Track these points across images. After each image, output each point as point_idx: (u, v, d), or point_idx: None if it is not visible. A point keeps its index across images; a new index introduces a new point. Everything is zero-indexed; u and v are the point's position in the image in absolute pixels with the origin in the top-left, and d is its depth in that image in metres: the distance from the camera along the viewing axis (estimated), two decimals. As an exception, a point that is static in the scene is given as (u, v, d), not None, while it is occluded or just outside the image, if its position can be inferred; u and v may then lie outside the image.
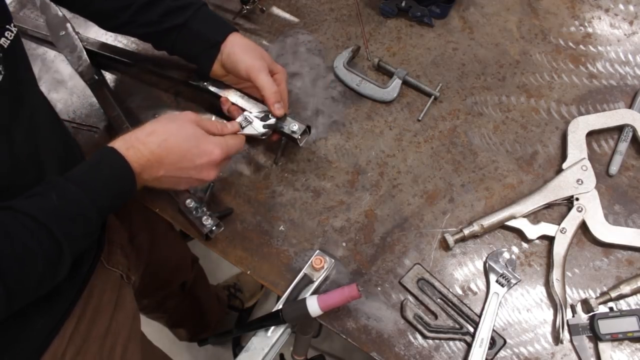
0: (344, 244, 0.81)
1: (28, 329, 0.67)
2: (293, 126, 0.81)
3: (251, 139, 0.86)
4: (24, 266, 0.54)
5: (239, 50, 0.80)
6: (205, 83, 0.87)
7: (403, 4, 0.95)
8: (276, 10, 1.02)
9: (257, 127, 0.79)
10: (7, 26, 0.62)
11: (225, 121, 0.78)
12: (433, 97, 0.89)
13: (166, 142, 0.66)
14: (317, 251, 0.79)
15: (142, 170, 0.65)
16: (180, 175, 0.69)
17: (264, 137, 0.80)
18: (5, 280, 0.51)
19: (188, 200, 0.81)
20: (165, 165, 0.67)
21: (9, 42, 0.61)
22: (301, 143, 0.83)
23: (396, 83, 0.90)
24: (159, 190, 0.85)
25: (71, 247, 0.58)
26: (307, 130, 0.82)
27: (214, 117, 0.93)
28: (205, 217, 0.79)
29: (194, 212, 0.80)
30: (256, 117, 0.80)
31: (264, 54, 0.82)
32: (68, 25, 0.96)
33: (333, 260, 0.78)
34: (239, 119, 0.79)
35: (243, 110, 0.82)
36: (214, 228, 0.79)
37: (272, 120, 0.80)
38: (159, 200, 0.86)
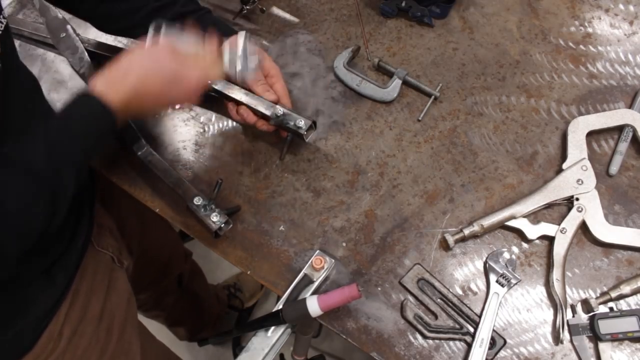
0: (344, 244, 0.81)
1: (30, 306, 0.70)
2: (299, 122, 0.81)
3: (258, 132, 0.86)
4: (23, 215, 0.56)
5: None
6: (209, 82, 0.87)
7: (403, 4, 0.95)
8: (276, 11, 1.02)
9: (248, 62, 0.79)
10: None
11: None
12: (433, 97, 0.89)
13: (144, 80, 0.67)
14: (317, 251, 0.79)
15: (123, 107, 0.66)
16: (162, 103, 0.73)
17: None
18: (13, 232, 0.55)
19: (196, 198, 0.80)
20: (145, 101, 0.68)
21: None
22: (307, 139, 0.83)
23: (396, 83, 0.90)
24: (160, 191, 0.86)
25: (65, 192, 0.60)
26: (313, 125, 0.82)
27: (214, 117, 0.93)
28: (214, 214, 0.79)
29: (203, 210, 0.79)
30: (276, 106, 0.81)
31: (258, 52, 0.83)
32: (68, 27, 0.96)
33: (333, 261, 0.78)
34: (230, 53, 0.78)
35: (250, 108, 0.82)
36: (223, 225, 0.79)
37: (279, 111, 0.80)
38: (160, 201, 0.86)
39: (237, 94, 0.84)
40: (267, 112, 0.81)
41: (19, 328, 0.70)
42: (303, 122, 0.81)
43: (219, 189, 0.81)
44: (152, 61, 0.69)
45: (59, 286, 0.75)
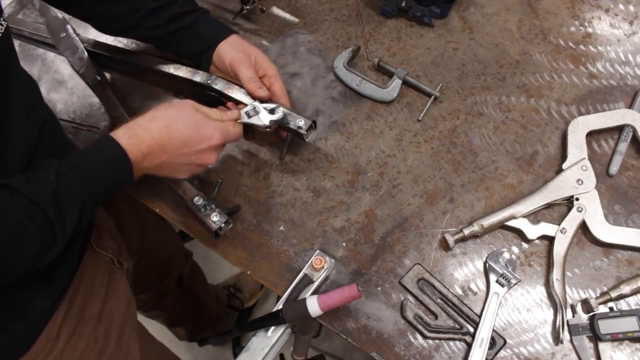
0: (344, 244, 0.81)
1: (27, 308, 0.70)
2: (299, 121, 0.81)
3: (258, 133, 0.87)
4: (17, 244, 0.55)
5: (229, 46, 0.83)
6: (208, 81, 0.87)
7: (403, 4, 0.95)
8: (276, 10, 1.02)
9: (263, 118, 0.79)
10: None
11: (225, 108, 0.79)
12: (433, 97, 0.89)
13: (168, 128, 0.67)
14: (317, 251, 0.79)
15: (143, 158, 0.66)
16: (182, 161, 0.71)
17: (268, 130, 0.80)
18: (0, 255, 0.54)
19: (196, 198, 0.80)
20: (167, 152, 0.68)
21: None
22: (307, 138, 0.83)
23: (396, 83, 0.90)
24: (160, 191, 0.86)
25: (64, 229, 0.59)
26: (313, 125, 0.82)
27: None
28: (214, 214, 0.79)
29: (203, 210, 0.79)
30: (264, 108, 0.80)
31: (252, 50, 0.83)
32: (68, 27, 0.96)
33: (333, 260, 0.78)
34: (247, 108, 0.80)
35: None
36: (222, 225, 0.79)
37: (279, 114, 0.80)
38: (159, 201, 0.86)
39: (237, 93, 0.84)
40: (268, 109, 0.81)
41: (16, 329, 0.70)
42: (303, 121, 0.81)
43: (218, 188, 0.81)
44: (177, 110, 0.70)
45: (57, 287, 0.74)
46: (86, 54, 0.94)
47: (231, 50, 0.83)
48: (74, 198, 0.60)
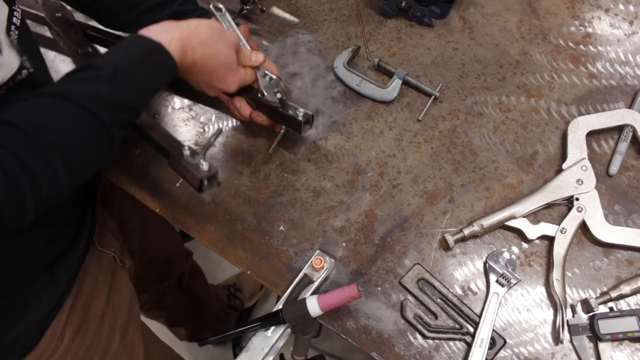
0: (344, 244, 0.81)
1: (31, 306, 0.71)
2: (299, 111, 0.80)
3: (257, 127, 0.86)
4: (82, 153, 0.57)
5: None
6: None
7: (403, 4, 0.95)
8: (276, 11, 1.02)
9: (269, 92, 0.79)
10: (14, 7, 0.64)
11: (255, 53, 0.79)
12: (433, 97, 0.89)
13: (208, 59, 0.70)
14: (317, 251, 0.79)
15: (183, 60, 0.68)
16: (203, 79, 0.74)
17: (274, 105, 0.80)
18: (70, 167, 0.55)
19: (185, 148, 0.75)
20: (198, 72, 0.71)
21: (19, 21, 0.63)
22: (303, 132, 0.83)
23: (396, 83, 0.90)
24: (159, 190, 0.86)
25: (121, 133, 0.60)
26: (311, 119, 0.82)
27: (214, 116, 0.93)
28: (203, 163, 0.73)
29: (190, 158, 0.75)
30: (277, 87, 0.79)
31: (244, 29, 0.84)
32: (66, 7, 0.96)
33: (333, 260, 0.78)
34: (268, 76, 0.79)
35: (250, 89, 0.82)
36: (209, 177, 0.74)
37: (278, 94, 0.79)
38: (159, 200, 0.86)
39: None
40: (266, 93, 0.79)
41: (22, 327, 0.70)
42: (302, 112, 0.80)
43: (216, 138, 0.78)
44: (224, 48, 0.71)
45: (61, 285, 0.75)
46: (82, 33, 0.93)
47: None
48: (132, 105, 0.62)
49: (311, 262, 0.77)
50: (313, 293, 0.75)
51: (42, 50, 1.03)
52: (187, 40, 0.66)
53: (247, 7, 0.98)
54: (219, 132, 0.78)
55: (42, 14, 0.97)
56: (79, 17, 0.96)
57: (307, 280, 0.76)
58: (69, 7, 0.96)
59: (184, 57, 0.66)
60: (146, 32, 0.64)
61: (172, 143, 0.78)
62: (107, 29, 0.94)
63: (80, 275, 0.78)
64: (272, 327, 0.75)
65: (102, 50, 0.97)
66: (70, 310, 0.76)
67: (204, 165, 0.73)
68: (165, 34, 0.64)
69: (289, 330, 0.76)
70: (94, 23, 0.95)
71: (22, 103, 0.55)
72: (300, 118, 0.80)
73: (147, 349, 0.95)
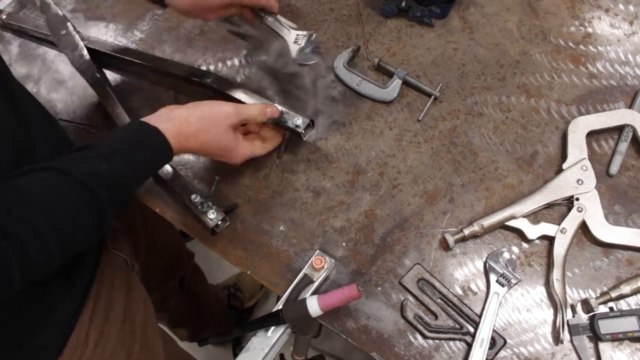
0: (344, 244, 0.81)
1: (53, 311, 0.71)
2: (297, 120, 0.81)
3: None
4: (75, 227, 0.58)
5: None
6: (208, 80, 0.87)
7: (403, 4, 0.95)
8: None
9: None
10: None
11: (271, 108, 0.80)
12: (433, 97, 0.89)
13: (202, 148, 0.73)
14: (317, 251, 0.79)
15: (178, 149, 0.71)
16: (214, 153, 0.77)
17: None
18: (62, 239, 0.56)
19: (193, 196, 0.81)
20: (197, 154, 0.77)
21: None
22: (305, 137, 0.83)
23: (396, 83, 0.90)
24: (159, 190, 0.86)
25: (113, 210, 0.62)
26: (311, 124, 0.83)
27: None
28: (211, 212, 0.79)
29: (200, 207, 0.80)
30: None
31: None
32: (69, 24, 0.96)
33: (333, 261, 0.78)
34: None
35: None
36: (219, 222, 0.79)
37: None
38: (159, 201, 0.86)
39: (238, 93, 0.84)
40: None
41: (46, 334, 0.70)
42: (301, 120, 0.81)
43: (216, 186, 0.81)
44: (218, 133, 0.73)
45: (79, 289, 0.75)
46: (86, 51, 0.94)
47: None
48: (126, 184, 0.64)
49: (311, 262, 0.77)
50: (313, 293, 0.75)
51: (42, 50, 1.03)
52: (179, 133, 0.69)
53: None
54: (217, 181, 0.83)
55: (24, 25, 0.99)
56: (85, 28, 0.96)
57: (307, 280, 0.76)
58: (72, 27, 0.96)
59: (179, 147, 0.70)
60: (144, 120, 0.68)
61: (182, 186, 0.83)
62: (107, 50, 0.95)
63: (97, 278, 0.78)
64: (272, 327, 0.75)
65: (112, 76, 0.98)
66: (91, 314, 0.76)
67: (212, 215, 0.79)
68: (163, 123, 0.68)
69: (289, 330, 0.76)
70: (95, 34, 0.96)
71: (22, 177, 0.56)
72: (300, 129, 0.81)
73: (167, 352, 0.96)
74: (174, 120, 0.69)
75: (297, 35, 0.86)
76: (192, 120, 0.70)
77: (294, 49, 0.86)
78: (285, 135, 0.87)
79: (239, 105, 0.76)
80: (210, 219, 0.79)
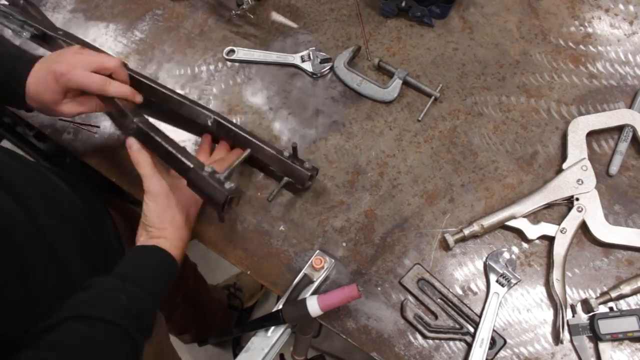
0: (344, 244, 0.81)
1: None
2: (300, 172, 0.79)
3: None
4: None
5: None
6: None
7: (403, 4, 0.95)
8: (275, 16, 1.01)
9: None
10: None
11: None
12: (433, 97, 0.89)
13: (177, 218, 0.74)
14: (317, 251, 0.79)
15: (181, 249, 0.74)
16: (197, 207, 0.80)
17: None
18: None
19: (207, 167, 0.72)
20: (188, 227, 0.77)
21: None
22: (306, 185, 0.82)
23: (396, 83, 0.90)
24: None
25: (142, 336, 0.63)
26: (315, 174, 0.82)
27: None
28: (227, 182, 0.71)
29: (210, 178, 0.71)
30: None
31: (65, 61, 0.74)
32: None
33: (333, 260, 0.78)
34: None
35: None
36: (233, 195, 0.71)
37: (285, 154, 0.80)
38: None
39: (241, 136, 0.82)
40: (273, 152, 0.80)
41: None
42: (304, 172, 0.79)
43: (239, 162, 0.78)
44: (170, 204, 0.74)
45: None
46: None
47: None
48: (147, 309, 0.65)
49: (311, 262, 0.77)
50: (313, 293, 0.75)
51: (42, 51, 1.03)
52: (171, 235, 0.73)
53: (237, 12, 0.98)
54: (246, 153, 0.79)
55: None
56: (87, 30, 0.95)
57: (307, 280, 0.76)
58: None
59: (180, 246, 0.73)
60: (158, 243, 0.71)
61: (190, 159, 0.74)
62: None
63: None
64: (272, 327, 0.75)
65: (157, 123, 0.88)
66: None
67: (229, 184, 0.71)
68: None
69: (289, 330, 0.76)
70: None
71: (48, 335, 0.56)
72: (305, 183, 0.81)
73: None
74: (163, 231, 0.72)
75: (302, 56, 0.94)
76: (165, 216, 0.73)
77: (307, 67, 0.93)
78: (282, 181, 0.83)
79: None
80: (226, 188, 0.70)
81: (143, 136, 0.76)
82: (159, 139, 0.75)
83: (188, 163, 0.72)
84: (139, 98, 0.78)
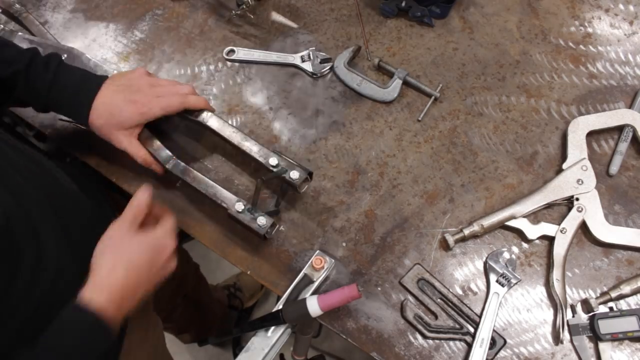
0: (344, 244, 0.81)
1: None
2: (293, 174, 0.78)
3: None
4: None
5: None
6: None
7: (403, 4, 0.95)
8: (275, 16, 1.01)
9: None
10: None
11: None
12: (433, 97, 0.89)
13: (129, 269, 0.65)
14: (317, 251, 0.79)
15: (120, 308, 0.64)
16: (155, 280, 0.69)
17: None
18: None
19: (238, 204, 0.77)
20: (141, 286, 0.66)
21: None
22: (301, 190, 0.82)
23: (396, 83, 0.90)
24: (159, 189, 0.86)
25: None
26: (309, 177, 0.80)
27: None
28: (260, 217, 0.76)
29: (248, 214, 0.76)
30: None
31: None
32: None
33: (333, 260, 0.78)
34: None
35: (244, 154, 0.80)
36: (269, 229, 0.76)
37: (274, 160, 0.78)
38: (159, 200, 0.86)
39: (234, 136, 0.81)
40: (261, 160, 0.79)
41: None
42: (298, 174, 0.78)
43: (259, 191, 0.77)
44: (128, 244, 0.66)
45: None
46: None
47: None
48: None
49: (311, 262, 0.77)
50: (313, 293, 0.75)
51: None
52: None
53: (237, 12, 0.98)
54: (259, 184, 0.77)
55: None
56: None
57: (307, 280, 0.76)
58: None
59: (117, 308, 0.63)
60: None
61: (223, 199, 0.78)
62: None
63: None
64: (272, 327, 0.75)
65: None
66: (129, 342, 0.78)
67: (262, 221, 0.76)
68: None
69: (289, 330, 0.76)
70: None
71: None
72: (297, 182, 0.78)
73: None
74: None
75: (302, 56, 0.94)
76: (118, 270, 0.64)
77: (307, 67, 0.93)
78: (282, 187, 0.82)
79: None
80: (260, 226, 0.76)
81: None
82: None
83: (222, 205, 0.78)
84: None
